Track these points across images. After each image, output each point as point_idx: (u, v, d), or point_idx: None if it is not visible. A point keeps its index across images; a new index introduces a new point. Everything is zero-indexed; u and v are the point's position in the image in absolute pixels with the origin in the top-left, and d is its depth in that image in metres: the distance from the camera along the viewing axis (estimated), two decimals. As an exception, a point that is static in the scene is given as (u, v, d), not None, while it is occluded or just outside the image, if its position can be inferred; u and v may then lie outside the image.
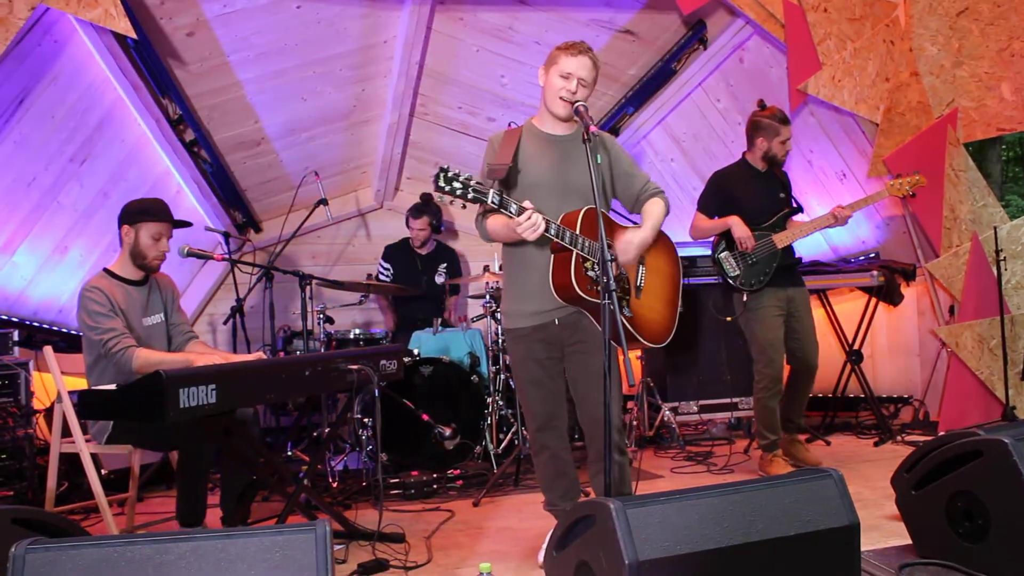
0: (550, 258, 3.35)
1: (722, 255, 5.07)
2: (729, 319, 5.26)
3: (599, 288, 3.31)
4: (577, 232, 3.26)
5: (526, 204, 3.12)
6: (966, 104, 5.66)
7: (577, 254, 3.24)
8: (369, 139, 6.96)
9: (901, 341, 6.53)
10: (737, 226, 4.97)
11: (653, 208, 3.55)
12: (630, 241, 3.43)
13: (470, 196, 2.99)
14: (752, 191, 5.11)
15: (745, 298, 5.03)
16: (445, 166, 2.97)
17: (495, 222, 3.35)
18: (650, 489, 4.47)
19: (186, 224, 4.34)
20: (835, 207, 5.05)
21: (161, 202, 4.15)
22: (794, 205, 5.23)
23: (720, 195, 5.14)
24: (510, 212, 3.11)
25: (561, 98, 3.35)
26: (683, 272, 5.26)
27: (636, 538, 2.31)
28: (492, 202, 3.04)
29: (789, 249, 5.09)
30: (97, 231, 5.73)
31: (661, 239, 3.65)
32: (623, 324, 3.35)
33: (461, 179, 2.97)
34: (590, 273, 3.27)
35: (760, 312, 5.02)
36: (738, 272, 5.02)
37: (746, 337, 5.19)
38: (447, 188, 2.95)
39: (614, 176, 3.58)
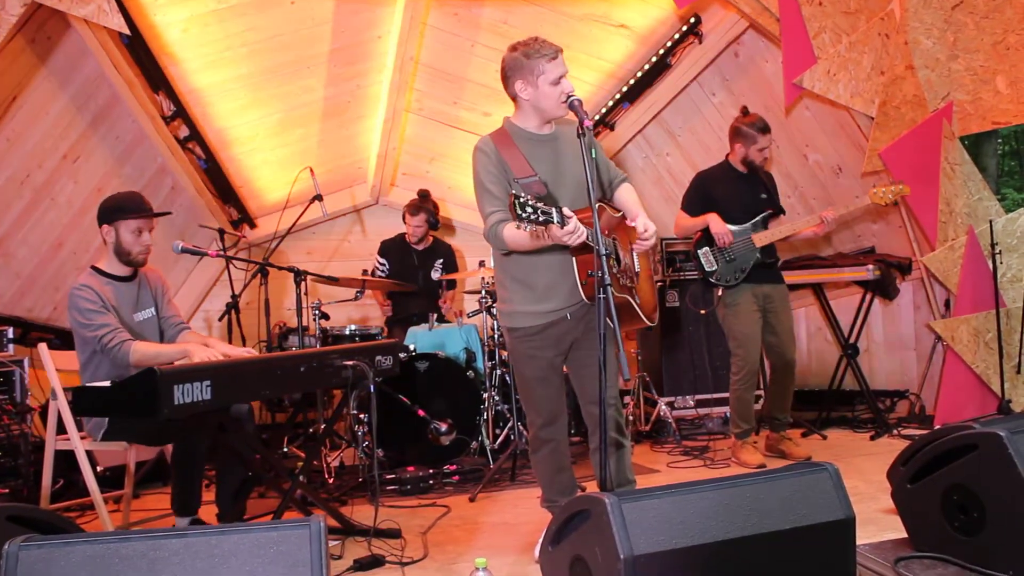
0: (571, 259, 3.34)
1: (701, 251, 5.22)
2: (703, 312, 5.40)
3: (623, 283, 3.42)
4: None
5: (567, 212, 3.03)
6: (961, 98, 5.66)
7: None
8: (364, 135, 6.95)
9: (897, 335, 6.53)
10: (714, 222, 5.10)
11: (629, 193, 3.64)
12: (649, 230, 3.40)
13: (541, 219, 2.92)
14: (732, 191, 5.22)
15: (721, 293, 5.17)
16: (516, 192, 2.90)
17: (515, 231, 3.24)
18: (646, 483, 4.47)
19: (165, 213, 4.29)
20: (823, 212, 5.15)
21: (136, 195, 4.07)
22: (778, 207, 5.28)
23: (700, 194, 5.28)
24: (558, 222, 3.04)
25: (563, 102, 3.32)
26: (678, 267, 5.21)
27: (631, 532, 2.31)
28: (557, 221, 2.97)
29: (769, 248, 5.19)
30: (92, 228, 5.66)
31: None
32: (637, 310, 3.48)
33: (531, 204, 2.90)
34: (614, 271, 3.33)
35: (736, 308, 5.15)
36: (715, 268, 5.15)
37: (724, 331, 5.31)
38: (524, 216, 2.87)
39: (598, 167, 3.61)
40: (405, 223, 6.55)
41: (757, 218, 5.16)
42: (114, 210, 3.95)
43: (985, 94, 5.60)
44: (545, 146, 3.47)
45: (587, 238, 3.15)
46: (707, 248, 5.17)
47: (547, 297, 3.42)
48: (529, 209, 2.89)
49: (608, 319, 2.88)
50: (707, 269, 5.16)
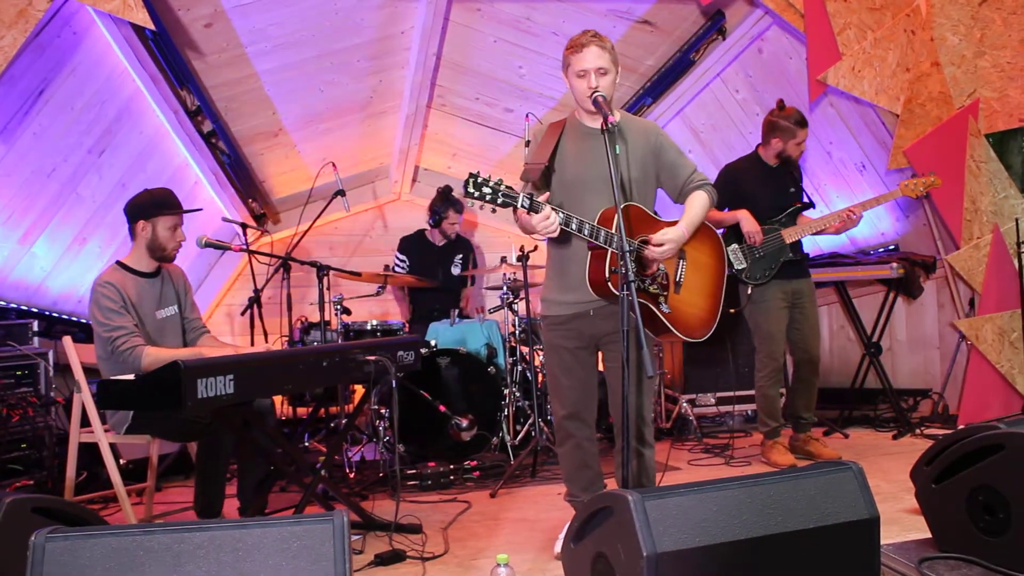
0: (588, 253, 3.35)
1: (730, 248, 5.10)
2: (733, 311, 5.31)
3: (648, 288, 3.38)
4: (613, 229, 3.23)
5: (540, 199, 3.10)
6: (988, 95, 5.60)
7: (612, 252, 3.23)
8: (386, 130, 6.96)
9: (920, 334, 6.49)
10: (746, 220, 5.02)
11: (693, 202, 3.52)
12: (665, 240, 3.37)
13: (500, 201, 2.99)
14: (762, 186, 5.16)
15: (750, 291, 5.10)
16: (475, 172, 2.98)
17: (521, 218, 3.32)
18: (668, 481, 4.46)
19: (197, 210, 4.34)
20: (848, 208, 5.07)
21: (170, 192, 4.15)
22: (805, 200, 5.23)
23: (729, 189, 5.15)
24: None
25: (589, 97, 3.29)
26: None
27: (654, 530, 2.31)
28: (522, 205, 3.04)
29: (797, 244, 5.14)
30: (116, 222, 5.75)
31: (704, 232, 3.64)
32: (661, 319, 3.41)
33: (491, 184, 2.97)
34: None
35: (765, 305, 5.11)
36: (745, 265, 5.08)
37: (750, 327, 5.28)
38: (476, 194, 2.95)
39: (659, 166, 3.54)
40: (443, 221, 6.46)
41: (784, 213, 5.11)
42: (153, 206, 4.00)
43: (1012, 91, 5.54)
44: (591, 140, 3.42)
45: (578, 231, 3.16)
46: (735, 245, 5.09)
47: (574, 288, 3.42)
48: (487, 189, 2.98)
49: (631, 317, 2.87)
50: (737, 267, 5.08)
